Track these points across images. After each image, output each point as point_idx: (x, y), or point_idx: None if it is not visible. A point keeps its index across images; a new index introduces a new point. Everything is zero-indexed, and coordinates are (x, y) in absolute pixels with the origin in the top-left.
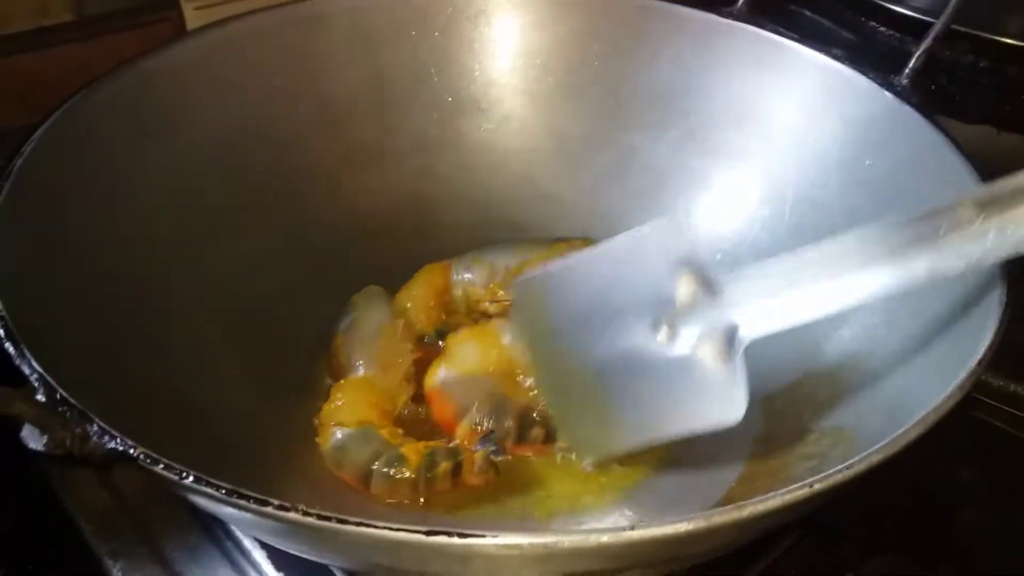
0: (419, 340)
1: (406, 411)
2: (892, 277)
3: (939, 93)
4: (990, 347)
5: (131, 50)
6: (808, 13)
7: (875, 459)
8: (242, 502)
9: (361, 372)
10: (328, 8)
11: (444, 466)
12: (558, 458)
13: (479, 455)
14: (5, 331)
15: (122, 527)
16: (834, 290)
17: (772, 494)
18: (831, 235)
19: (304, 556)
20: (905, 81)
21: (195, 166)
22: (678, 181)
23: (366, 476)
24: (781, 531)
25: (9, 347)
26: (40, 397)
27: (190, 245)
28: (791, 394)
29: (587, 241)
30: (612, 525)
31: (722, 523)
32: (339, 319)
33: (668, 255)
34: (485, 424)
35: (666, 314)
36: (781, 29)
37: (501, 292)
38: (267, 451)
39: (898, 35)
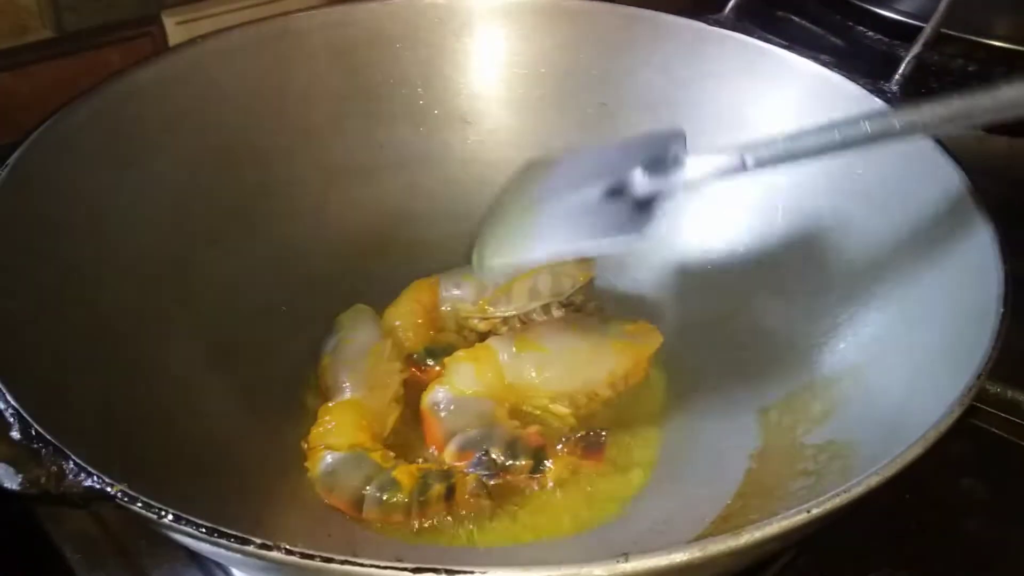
0: (408, 358)
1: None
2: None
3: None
4: (988, 361)
5: (113, 66)
6: (796, 19)
7: (874, 481)
8: (223, 541)
9: (349, 394)
10: (311, 22)
11: (437, 489)
12: (548, 485)
13: (471, 478)
14: None
15: (107, 554)
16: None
17: (768, 520)
18: (822, 244)
19: None
20: (895, 87)
21: (175, 186)
22: None
23: (358, 501)
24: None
25: None
26: (15, 434)
27: (171, 268)
28: (786, 407)
29: None
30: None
31: (718, 552)
32: (325, 340)
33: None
34: (472, 449)
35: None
36: (769, 36)
37: (490, 308)
38: (254, 478)
39: (887, 40)
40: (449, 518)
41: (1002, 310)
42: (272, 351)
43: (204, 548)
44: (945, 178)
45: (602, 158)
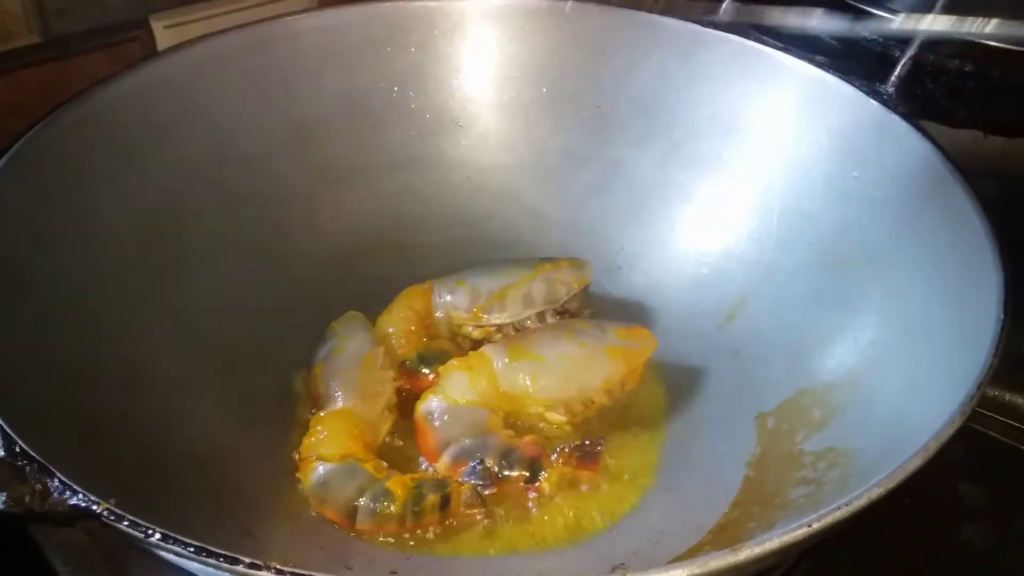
0: (400, 366)
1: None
2: None
3: (924, 98)
4: (989, 369)
5: (101, 71)
6: None
7: (876, 493)
8: (211, 560)
9: (341, 403)
10: (300, 26)
11: (432, 499)
12: (544, 495)
13: (466, 487)
14: None
15: (97, 564)
16: None
17: (769, 535)
18: (818, 248)
19: None
20: (891, 89)
21: (165, 192)
22: (663, 194)
23: (351, 512)
24: None
25: None
26: None
27: (158, 275)
28: (784, 413)
29: (573, 261)
30: (600, 563)
31: (717, 568)
32: (317, 348)
33: None
34: (466, 458)
35: None
36: (765, 38)
37: (484, 316)
38: (246, 489)
39: (881, 40)
40: (443, 529)
41: (1002, 317)
42: (263, 359)
43: (193, 566)
44: (943, 183)
45: None
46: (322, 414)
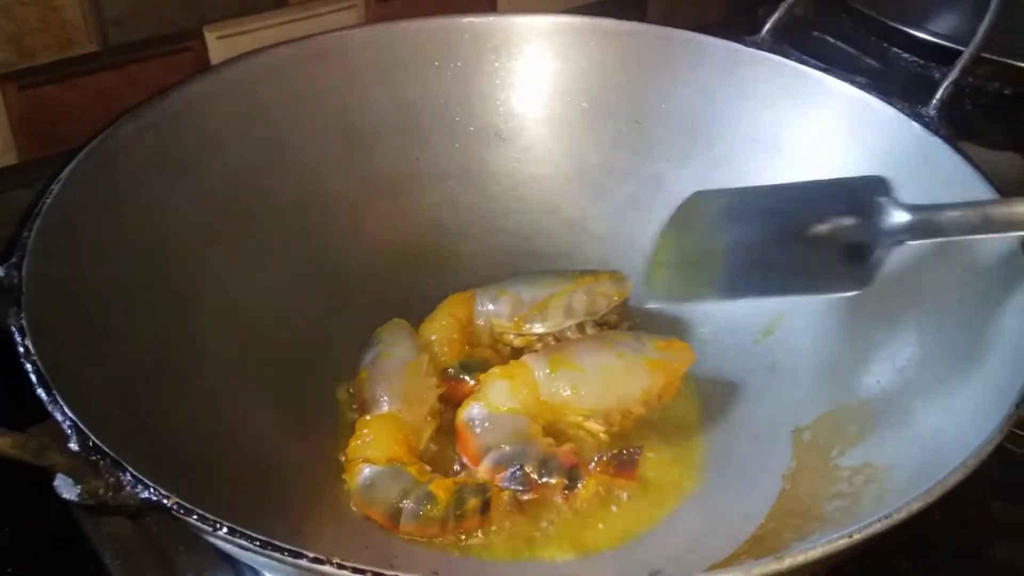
0: (443, 373)
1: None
2: None
3: (964, 119)
4: None
5: (156, 79)
6: (831, 40)
7: (915, 506)
8: (276, 554)
9: (386, 407)
10: (351, 40)
11: (473, 503)
12: (581, 503)
13: (506, 492)
14: (37, 376)
15: (144, 558)
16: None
17: (812, 544)
18: None
19: None
20: (933, 111)
21: (220, 201)
22: None
23: (395, 514)
24: None
25: (41, 393)
26: (73, 445)
27: (215, 282)
28: (821, 428)
29: (613, 274)
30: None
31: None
32: (363, 353)
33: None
34: (506, 465)
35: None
36: (805, 58)
37: (526, 326)
38: (293, 489)
39: (921, 62)
40: (483, 532)
41: None
42: (309, 364)
43: (257, 560)
44: None
45: (787, 200)
46: (368, 418)
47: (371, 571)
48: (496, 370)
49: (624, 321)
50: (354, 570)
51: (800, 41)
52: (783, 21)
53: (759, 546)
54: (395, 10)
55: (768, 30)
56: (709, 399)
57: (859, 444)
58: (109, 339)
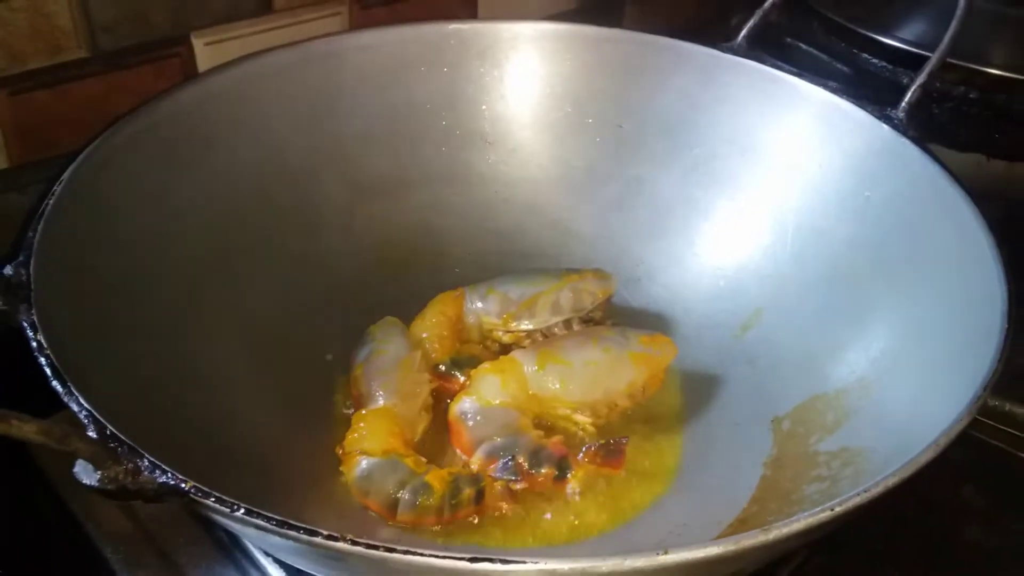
0: (434, 368)
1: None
2: None
3: (931, 122)
4: (994, 373)
5: (144, 84)
6: (803, 46)
7: (891, 482)
8: (292, 532)
9: (381, 402)
10: (339, 46)
11: (467, 492)
12: (572, 491)
13: (499, 482)
14: (52, 369)
15: (146, 553)
16: None
17: (796, 517)
18: (831, 263)
19: None
20: (901, 114)
21: (214, 203)
22: (682, 211)
23: (392, 504)
24: (786, 555)
25: (56, 386)
26: (91, 433)
27: (213, 281)
28: (799, 417)
29: (598, 273)
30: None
31: (750, 546)
32: (357, 350)
33: None
34: (498, 456)
35: None
36: (780, 63)
37: (514, 323)
38: (292, 481)
39: (890, 67)
40: (477, 520)
41: (1006, 326)
42: (305, 360)
43: (272, 540)
44: (950, 201)
45: None
46: (364, 412)
47: (383, 546)
48: (487, 365)
49: (608, 319)
50: (367, 546)
51: (774, 47)
52: (758, 28)
53: (743, 528)
54: (379, 17)
55: (744, 36)
56: (692, 391)
57: (836, 431)
58: (116, 333)
